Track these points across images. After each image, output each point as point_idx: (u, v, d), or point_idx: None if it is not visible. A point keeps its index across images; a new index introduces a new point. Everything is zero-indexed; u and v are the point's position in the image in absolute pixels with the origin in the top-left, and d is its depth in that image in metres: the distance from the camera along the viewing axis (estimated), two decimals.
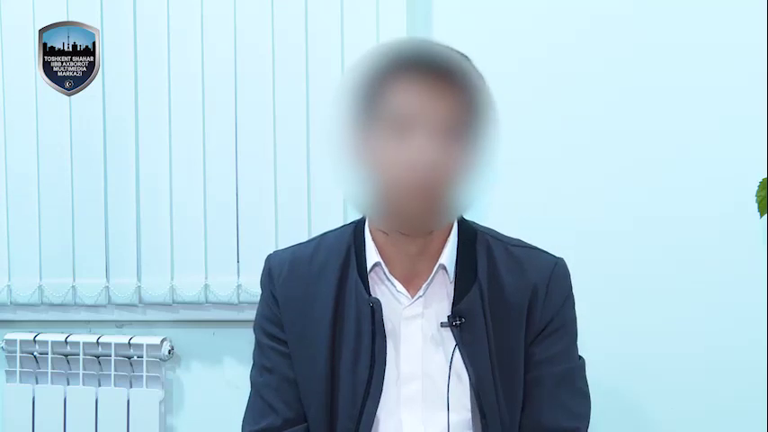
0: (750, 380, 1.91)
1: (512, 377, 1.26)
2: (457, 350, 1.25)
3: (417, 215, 1.18)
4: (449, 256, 1.28)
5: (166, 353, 2.16)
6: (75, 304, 2.22)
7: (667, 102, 1.94)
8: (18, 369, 2.21)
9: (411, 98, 1.15)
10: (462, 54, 1.21)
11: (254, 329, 1.35)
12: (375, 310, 1.25)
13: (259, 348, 1.34)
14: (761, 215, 1.52)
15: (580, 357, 1.34)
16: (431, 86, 1.16)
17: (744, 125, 1.90)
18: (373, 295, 1.27)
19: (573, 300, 1.33)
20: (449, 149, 1.15)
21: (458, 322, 1.25)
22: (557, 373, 1.28)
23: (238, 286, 2.12)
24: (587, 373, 1.35)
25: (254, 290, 2.02)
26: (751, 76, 1.89)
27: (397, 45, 1.19)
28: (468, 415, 1.25)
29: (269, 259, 1.36)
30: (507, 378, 1.26)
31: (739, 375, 1.92)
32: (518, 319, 1.27)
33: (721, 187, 1.91)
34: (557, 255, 1.35)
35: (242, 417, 1.35)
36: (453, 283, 1.28)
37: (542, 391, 1.27)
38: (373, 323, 1.24)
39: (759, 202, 1.52)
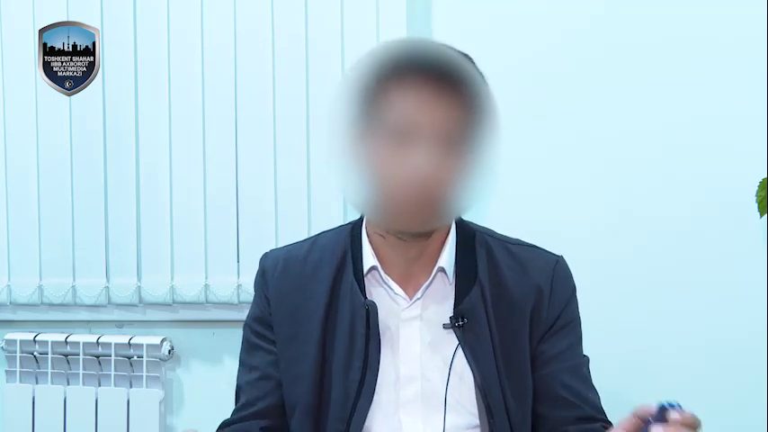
0: (750, 380, 1.91)
1: (518, 376, 1.26)
2: (459, 351, 1.24)
3: (414, 219, 1.17)
4: (447, 257, 1.27)
5: (166, 353, 2.16)
6: (75, 304, 2.22)
7: (668, 101, 1.94)
8: (18, 369, 2.22)
9: (411, 106, 1.13)
10: (464, 54, 1.19)
11: (244, 329, 1.36)
12: (370, 312, 1.24)
13: (246, 347, 1.34)
14: (761, 215, 1.52)
15: (584, 354, 1.34)
16: (431, 93, 1.14)
17: (744, 125, 1.90)
18: (370, 298, 1.26)
19: (576, 296, 1.33)
20: (448, 157, 1.14)
21: (460, 323, 1.24)
22: (567, 368, 1.28)
23: (238, 286, 2.12)
24: None
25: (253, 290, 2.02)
26: (751, 76, 1.89)
27: (396, 47, 1.17)
28: (470, 417, 1.25)
29: (263, 259, 1.36)
30: (514, 377, 1.25)
31: (739, 376, 1.92)
32: (521, 317, 1.27)
33: (721, 187, 1.91)
34: (557, 253, 1.35)
35: None
36: (454, 284, 1.28)
37: (559, 385, 1.27)
38: (368, 326, 1.24)
39: (759, 202, 1.52)
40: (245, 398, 1.31)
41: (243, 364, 1.35)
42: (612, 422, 1.30)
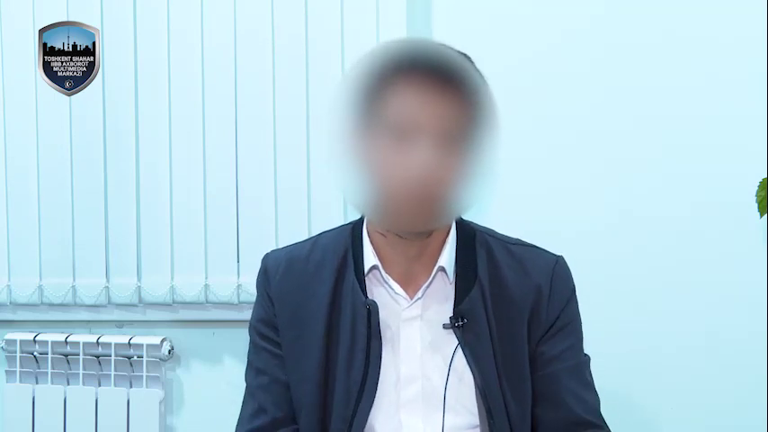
0: (750, 380, 1.91)
1: (517, 376, 1.26)
2: (458, 351, 1.25)
3: (415, 218, 1.18)
4: (448, 257, 1.28)
5: (166, 353, 2.16)
6: (75, 304, 2.21)
7: (668, 101, 1.94)
8: (18, 369, 2.21)
9: (411, 104, 1.14)
10: (464, 54, 1.20)
11: (249, 331, 1.36)
12: (371, 312, 1.24)
13: (254, 349, 1.34)
14: (761, 215, 1.52)
15: (585, 354, 1.34)
16: (432, 92, 1.14)
17: (744, 125, 1.90)
18: (371, 297, 1.26)
19: (576, 296, 1.34)
20: (449, 155, 1.14)
21: (460, 323, 1.25)
22: (568, 368, 1.28)
23: (238, 286, 2.12)
24: None
25: (254, 290, 2.00)
26: (751, 76, 1.89)
27: (397, 47, 1.17)
28: (470, 416, 1.25)
29: (265, 259, 1.36)
30: (513, 377, 1.26)
31: (739, 376, 1.92)
32: (521, 317, 1.27)
33: (721, 187, 1.91)
34: (557, 253, 1.35)
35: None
36: (454, 284, 1.28)
37: (557, 386, 1.27)
38: (369, 325, 1.24)
39: (759, 202, 1.52)
40: (257, 403, 1.30)
41: (251, 366, 1.34)
42: (611, 424, 1.31)
